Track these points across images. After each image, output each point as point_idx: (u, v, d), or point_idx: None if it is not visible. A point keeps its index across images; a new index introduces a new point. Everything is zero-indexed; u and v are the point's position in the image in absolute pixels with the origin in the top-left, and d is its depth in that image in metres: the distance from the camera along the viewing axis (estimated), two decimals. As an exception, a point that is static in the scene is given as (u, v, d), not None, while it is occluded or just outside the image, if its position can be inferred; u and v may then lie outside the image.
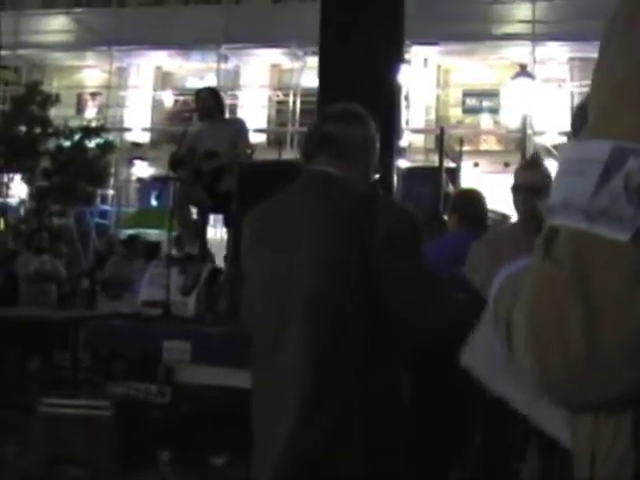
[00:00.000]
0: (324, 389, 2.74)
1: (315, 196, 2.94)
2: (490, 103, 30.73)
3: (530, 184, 4.64)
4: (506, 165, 24.01)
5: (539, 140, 26.68)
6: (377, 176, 3.28)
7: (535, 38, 27.85)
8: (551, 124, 26.37)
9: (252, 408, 2.96)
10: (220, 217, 9.44)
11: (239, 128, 9.00)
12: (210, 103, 8.89)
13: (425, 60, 29.99)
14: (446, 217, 6.44)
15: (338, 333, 2.75)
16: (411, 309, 2.84)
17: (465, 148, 20.46)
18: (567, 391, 1.11)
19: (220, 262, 10.07)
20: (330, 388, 2.74)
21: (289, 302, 2.79)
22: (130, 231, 21.13)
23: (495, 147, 30.10)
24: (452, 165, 13.45)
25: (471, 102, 31.11)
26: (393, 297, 2.77)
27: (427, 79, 30.05)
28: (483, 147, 29.79)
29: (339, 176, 2.95)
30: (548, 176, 4.70)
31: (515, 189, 4.76)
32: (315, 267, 2.77)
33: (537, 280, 1.13)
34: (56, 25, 32.58)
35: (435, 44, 28.67)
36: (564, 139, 24.07)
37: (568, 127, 20.85)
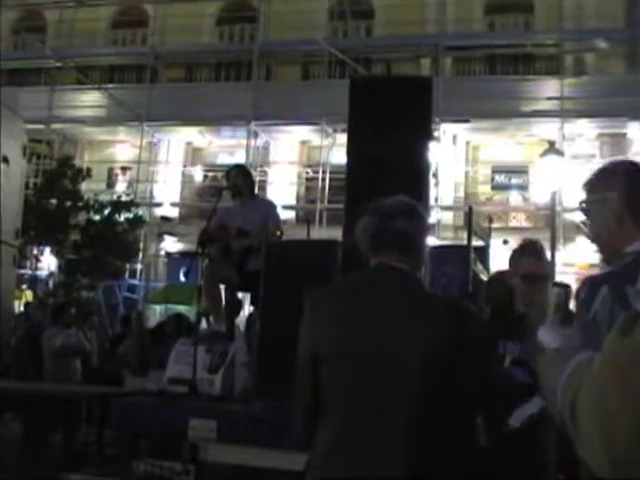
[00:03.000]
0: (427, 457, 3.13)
1: (400, 292, 3.33)
2: (519, 180, 30.70)
3: (544, 273, 4.67)
4: (535, 242, 23.92)
5: (568, 217, 26.61)
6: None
7: (564, 115, 27.89)
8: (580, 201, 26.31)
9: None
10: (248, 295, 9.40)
11: (270, 209, 9.04)
12: (240, 182, 8.92)
13: (454, 137, 30.11)
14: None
15: (436, 401, 3.14)
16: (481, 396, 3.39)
17: (494, 225, 20.40)
18: (629, 472, 1.13)
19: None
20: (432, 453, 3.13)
21: (393, 381, 3.15)
22: (159, 306, 21.19)
23: (524, 224, 30.00)
24: (481, 243, 13.37)
25: (500, 179, 31.09)
26: (472, 387, 3.28)
27: (456, 156, 30.14)
28: (512, 224, 29.68)
29: (414, 274, 3.40)
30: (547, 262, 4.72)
31: (530, 279, 4.73)
32: (419, 356, 3.13)
33: (607, 365, 1.13)
34: (89, 100, 32.95)
35: (464, 121, 28.79)
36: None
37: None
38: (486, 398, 3.42)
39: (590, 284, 2.76)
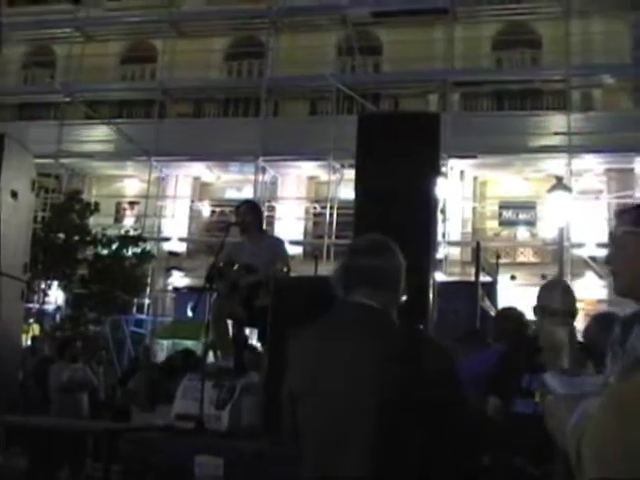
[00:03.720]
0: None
1: (363, 329, 3.36)
2: (527, 215, 30.71)
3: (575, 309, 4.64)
4: (543, 277, 23.83)
5: (576, 252, 26.61)
6: (404, 298, 3.53)
7: (571, 150, 27.92)
8: (588, 236, 26.30)
9: None
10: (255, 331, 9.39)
11: (277, 246, 9.04)
12: (249, 217, 8.93)
13: (462, 173, 30.14)
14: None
15: (395, 435, 3.17)
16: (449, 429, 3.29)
17: (502, 261, 20.39)
18: None
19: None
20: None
21: (351, 415, 3.21)
22: (166, 341, 21.17)
23: (532, 259, 29.98)
24: (488, 279, 13.38)
25: (508, 214, 31.09)
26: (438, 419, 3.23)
27: (464, 192, 30.16)
28: (520, 259, 29.67)
29: (382, 310, 3.38)
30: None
31: (564, 315, 4.70)
32: (379, 388, 3.16)
33: (607, 408, 1.14)
34: (97, 135, 33.14)
35: (472, 157, 28.83)
36: (602, 251, 23.99)
37: (605, 238, 20.83)
38: (451, 434, 3.37)
39: (622, 324, 2.72)
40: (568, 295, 4.78)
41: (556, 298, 4.73)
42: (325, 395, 3.30)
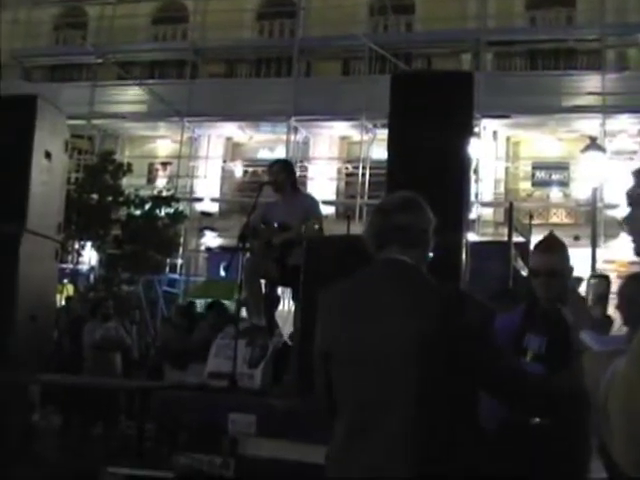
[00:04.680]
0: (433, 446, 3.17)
1: (399, 284, 3.37)
2: (560, 176, 30.53)
3: (549, 268, 4.63)
4: (576, 239, 23.72)
5: (610, 213, 26.43)
6: (431, 255, 3.55)
7: (605, 110, 27.69)
8: (622, 197, 26.04)
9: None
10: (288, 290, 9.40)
11: (310, 203, 9.00)
12: (282, 176, 8.89)
13: (495, 133, 29.97)
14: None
15: (436, 390, 3.19)
16: (489, 382, 3.37)
17: (535, 222, 20.27)
18: None
19: (286, 335, 10.01)
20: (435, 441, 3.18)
21: (390, 371, 3.22)
22: (199, 301, 21.26)
23: (565, 220, 29.82)
24: (521, 239, 13.30)
25: (541, 175, 30.92)
26: (478, 373, 3.29)
27: (497, 152, 30.00)
28: (553, 220, 29.48)
29: (415, 265, 3.40)
30: (566, 258, 4.70)
31: (533, 273, 4.75)
32: (412, 345, 3.17)
33: (634, 362, 1.14)
34: (130, 96, 33.20)
35: (505, 117, 28.64)
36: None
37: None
38: (489, 385, 3.41)
39: None
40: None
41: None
42: (363, 352, 3.30)
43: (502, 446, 4.23)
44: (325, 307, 3.59)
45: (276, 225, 8.60)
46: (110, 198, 25.95)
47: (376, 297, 3.37)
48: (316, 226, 8.53)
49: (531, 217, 18.53)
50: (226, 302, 14.24)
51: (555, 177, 30.68)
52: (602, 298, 2.72)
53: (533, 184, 31.09)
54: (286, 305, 10.70)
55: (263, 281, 8.73)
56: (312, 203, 9.08)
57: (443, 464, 3.16)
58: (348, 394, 3.38)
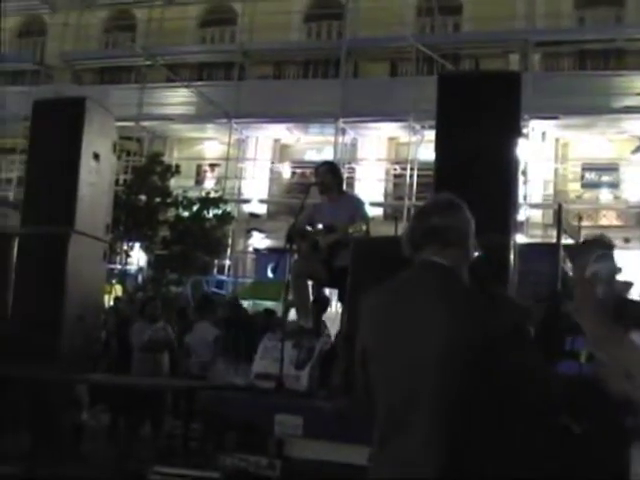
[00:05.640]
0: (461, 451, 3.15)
1: (435, 287, 3.37)
2: (610, 177, 30.23)
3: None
4: (626, 241, 23.56)
5: (661, 215, 26.20)
6: (476, 254, 3.58)
7: (656, 111, 27.39)
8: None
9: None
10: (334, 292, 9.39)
11: (357, 205, 8.99)
12: (328, 178, 8.89)
13: (543, 134, 29.72)
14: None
15: (467, 391, 3.18)
16: (526, 384, 3.39)
17: (584, 223, 20.17)
18: None
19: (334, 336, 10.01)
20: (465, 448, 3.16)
21: (421, 374, 3.21)
22: (246, 302, 21.31)
23: (615, 222, 29.53)
24: (570, 241, 13.20)
25: (590, 176, 30.64)
26: (515, 376, 3.31)
27: (545, 153, 29.77)
28: (602, 222, 29.23)
29: (451, 267, 3.42)
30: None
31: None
32: (446, 347, 3.18)
33: None
34: (178, 98, 33.37)
35: (554, 118, 28.41)
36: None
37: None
38: (525, 387, 3.42)
39: None
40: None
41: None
42: (396, 354, 3.35)
43: (537, 450, 4.22)
44: (365, 310, 3.64)
45: (322, 227, 8.61)
46: (158, 199, 26.11)
47: (412, 300, 3.40)
48: (363, 227, 8.51)
49: (580, 219, 18.44)
50: (273, 303, 14.28)
51: (605, 178, 30.39)
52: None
53: (582, 185, 30.82)
54: (335, 307, 10.71)
55: (310, 282, 8.73)
56: (358, 204, 9.08)
57: (474, 467, 3.18)
58: (383, 396, 3.40)
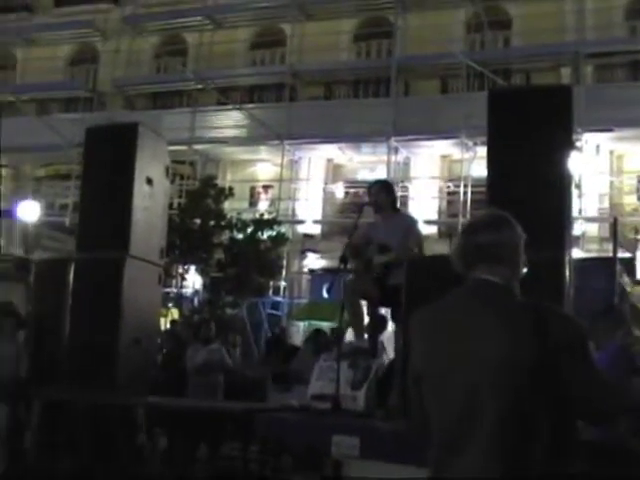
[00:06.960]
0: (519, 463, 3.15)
1: (488, 305, 3.37)
2: (666, 189, 29.90)
3: None
4: (684, 253, 23.22)
5: None
6: (525, 270, 3.53)
7: None
8: None
9: None
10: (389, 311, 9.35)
11: (410, 223, 8.99)
12: (382, 197, 8.90)
13: (597, 147, 29.43)
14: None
15: (525, 408, 3.18)
16: (585, 398, 3.29)
17: (641, 236, 19.93)
18: None
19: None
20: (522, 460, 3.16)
21: (478, 392, 3.20)
22: (302, 323, 21.33)
23: (672, 235, 29.17)
24: (627, 255, 13.08)
25: (646, 189, 30.31)
26: (574, 390, 3.24)
27: (600, 166, 29.48)
28: (660, 235, 28.89)
29: (503, 285, 3.41)
30: None
31: None
32: (502, 364, 3.17)
33: None
34: (230, 120, 33.58)
35: (608, 130, 28.14)
36: None
37: None
38: (585, 402, 3.34)
39: None
40: None
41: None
42: (451, 373, 3.32)
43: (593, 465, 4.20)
44: (417, 328, 3.63)
45: (376, 245, 8.60)
46: (213, 222, 26.23)
47: (465, 318, 3.39)
48: (417, 248, 8.51)
49: (637, 232, 18.24)
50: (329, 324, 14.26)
51: (661, 190, 30.03)
52: None
53: (638, 198, 30.47)
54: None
55: (364, 302, 8.72)
56: (411, 223, 9.08)
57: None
58: (438, 414, 3.39)
